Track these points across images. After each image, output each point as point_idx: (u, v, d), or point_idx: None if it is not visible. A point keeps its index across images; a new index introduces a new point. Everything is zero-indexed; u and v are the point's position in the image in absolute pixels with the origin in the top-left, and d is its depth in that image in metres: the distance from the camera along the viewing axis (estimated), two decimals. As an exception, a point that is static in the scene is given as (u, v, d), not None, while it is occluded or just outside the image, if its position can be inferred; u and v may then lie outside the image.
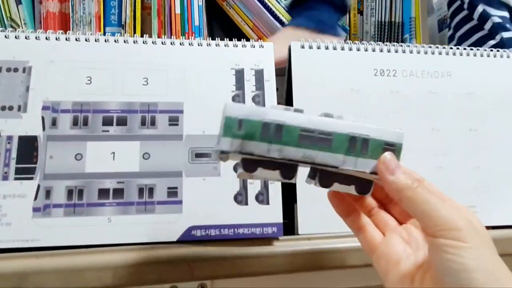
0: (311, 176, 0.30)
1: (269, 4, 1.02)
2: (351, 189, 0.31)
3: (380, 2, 1.13)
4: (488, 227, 0.44)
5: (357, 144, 0.30)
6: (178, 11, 0.99)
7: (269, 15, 1.01)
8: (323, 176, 0.30)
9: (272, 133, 0.27)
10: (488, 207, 0.45)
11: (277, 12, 1.02)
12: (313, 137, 0.28)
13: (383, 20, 1.14)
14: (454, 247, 0.21)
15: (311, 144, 0.28)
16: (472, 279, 0.20)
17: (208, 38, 1.04)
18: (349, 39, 1.09)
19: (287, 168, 0.28)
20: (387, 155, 0.29)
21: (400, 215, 0.31)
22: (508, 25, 0.77)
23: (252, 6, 1.01)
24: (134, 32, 0.98)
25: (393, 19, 1.13)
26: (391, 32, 1.13)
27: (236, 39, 0.45)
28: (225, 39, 0.44)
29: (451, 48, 0.48)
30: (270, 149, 0.27)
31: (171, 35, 0.96)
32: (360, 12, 1.13)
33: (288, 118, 0.27)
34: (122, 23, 0.97)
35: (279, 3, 1.03)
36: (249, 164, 0.27)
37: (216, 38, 0.44)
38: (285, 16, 1.04)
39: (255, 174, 0.28)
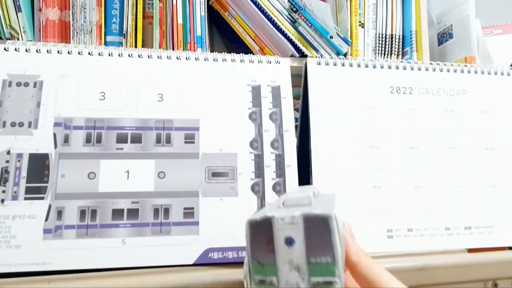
0: None
1: (272, 15, 1.01)
2: None
3: (381, 15, 1.14)
4: (505, 248, 0.44)
5: None
6: (180, 21, 0.98)
7: (271, 25, 1.00)
8: None
9: None
10: (505, 227, 0.44)
11: (279, 24, 1.02)
12: None
13: (384, 33, 1.14)
14: None
15: None
16: None
17: (209, 49, 1.03)
18: (351, 52, 1.09)
19: None
20: (348, 225, 0.30)
21: None
22: None
23: (254, 16, 1.00)
24: (136, 41, 0.96)
25: (394, 32, 1.14)
26: (392, 45, 1.14)
27: (237, 51, 0.44)
28: (241, 54, 0.44)
29: (466, 65, 0.48)
30: None
31: (173, 45, 0.95)
32: (362, 25, 1.14)
33: None
34: (124, 32, 0.96)
35: (281, 14, 1.03)
36: None
37: (232, 54, 0.43)
38: (287, 28, 1.04)
39: None
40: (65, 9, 0.94)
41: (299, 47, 1.01)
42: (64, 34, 0.94)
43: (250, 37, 1.05)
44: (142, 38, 0.97)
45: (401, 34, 1.13)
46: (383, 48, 1.12)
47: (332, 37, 1.06)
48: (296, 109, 0.50)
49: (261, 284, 0.20)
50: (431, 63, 0.47)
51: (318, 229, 0.20)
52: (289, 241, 0.20)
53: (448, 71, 0.47)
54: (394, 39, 1.13)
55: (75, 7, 0.93)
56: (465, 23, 1.11)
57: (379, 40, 1.13)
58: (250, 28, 1.03)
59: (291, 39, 1.03)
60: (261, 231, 0.20)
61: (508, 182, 0.45)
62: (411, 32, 1.12)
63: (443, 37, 1.16)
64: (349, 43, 1.07)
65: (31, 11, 0.91)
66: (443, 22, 1.16)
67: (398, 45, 1.13)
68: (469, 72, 0.48)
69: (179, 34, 1.00)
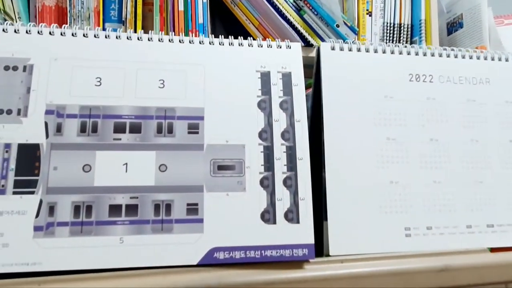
0: None
1: (276, 2, 0.98)
2: None
3: (390, 4, 1.10)
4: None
5: None
6: (181, 7, 0.95)
7: (276, 14, 0.97)
8: None
9: None
10: (530, 225, 0.41)
11: (284, 11, 0.98)
12: None
13: (392, 22, 1.11)
14: None
15: None
16: None
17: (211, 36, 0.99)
18: (358, 40, 1.05)
19: None
20: None
21: None
22: None
23: (258, 4, 0.97)
24: (135, 29, 0.93)
25: (402, 21, 1.10)
26: (400, 34, 1.11)
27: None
28: (248, 38, 0.40)
29: (489, 52, 0.45)
30: None
31: (174, 32, 0.92)
32: (369, 13, 1.10)
33: None
34: (123, 19, 0.92)
35: (286, 2, 0.99)
36: None
37: (239, 37, 0.40)
38: (292, 16, 1.01)
39: None
40: (62, -5, 0.91)
41: (304, 36, 0.98)
42: (61, 20, 0.90)
43: (254, 25, 1.01)
44: (142, 25, 0.94)
45: (409, 23, 1.10)
46: (391, 38, 1.09)
47: (339, 26, 1.02)
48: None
49: None
50: (452, 49, 0.44)
51: None
52: None
53: (471, 57, 0.44)
54: (402, 28, 1.10)
55: (72, -7, 0.90)
56: (476, 12, 1.07)
57: (387, 29, 1.10)
58: (253, 16, 1.00)
59: (296, 28, 0.99)
60: None
61: (534, 177, 0.42)
62: (420, 21, 1.09)
63: (453, 26, 1.12)
64: (356, 32, 1.04)
65: (27, -4, 0.87)
66: (453, 11, 1.13)
67: (407, 35, 1.10)
68: (492, 59, 0.44)
69: (180, 21, 0.97)
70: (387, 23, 1.10)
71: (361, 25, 1.09)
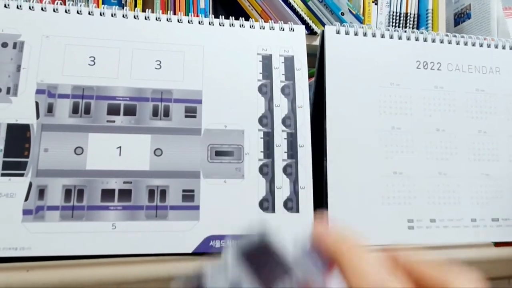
0: None
1: (280, -12, 0.95)
2: None
3: (396, -8, 1.07)
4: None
5: None
6: (183, -9, 0.92)
7: (280, 0, 0.95)
8: None
9: None
10: (537, 220, 0.40)
11: (288, -2, 0.96)
12: None
13: (398, 11, 1.08)
14: None
15: None
16: None
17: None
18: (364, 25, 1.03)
19: None
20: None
21: None
22: None
23: (261, -10, 0.94)
24: (135, 13, 0.91)
25: (409, 10, 1.08)
26: (406, 23, 1.08)
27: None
28: (250, 19, 0.39)
29: (500, 40, 0.43)
30: None
31: (175, 17, 0.90)
32: (375, 2, 1.08)
33: None
34: (122, 2, 0.90)
35: (290, -13, 0.97)
36: None
37: (240, 19, 0.38)
38: (296, 2, 0.98)
39: None
40: (60, -24, 0.89)
41: (308, 23, 0.96)
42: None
43: (257, 11, 0.99)
44: (142, 9, 0.91)
45: (416, 12, 1.07)
46: (397, 27, 1.06)
47: (344, 14, 1.00)
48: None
49: None
50: (462, 36, 0.42)
51: None
52: None
53: (481, 45, 0.42)
54: (409, 17, 1.07)
55: (71, -27, 0.87)
56: (485, 3, 1.04)
57: (393, 18, 1.07)
58: (256, 2, 0.98)
59: (300, 15, 0.97)
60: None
61: (543, 171, 0.41)
62: (427, 10, 1.06)
63: (460, 17, 1.09)
64: (361, 21, 1.02)
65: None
66: (461, 1, 1.10)
67: (413, 24, 1.07)
68: (503, 47, 0.43)
69: (181, 5, 0.94)
70: (393, 12, 1.07)
71: (367, 14, 1.07)
